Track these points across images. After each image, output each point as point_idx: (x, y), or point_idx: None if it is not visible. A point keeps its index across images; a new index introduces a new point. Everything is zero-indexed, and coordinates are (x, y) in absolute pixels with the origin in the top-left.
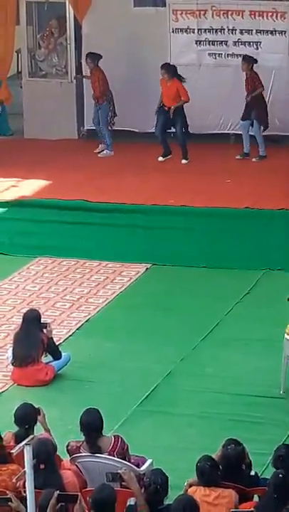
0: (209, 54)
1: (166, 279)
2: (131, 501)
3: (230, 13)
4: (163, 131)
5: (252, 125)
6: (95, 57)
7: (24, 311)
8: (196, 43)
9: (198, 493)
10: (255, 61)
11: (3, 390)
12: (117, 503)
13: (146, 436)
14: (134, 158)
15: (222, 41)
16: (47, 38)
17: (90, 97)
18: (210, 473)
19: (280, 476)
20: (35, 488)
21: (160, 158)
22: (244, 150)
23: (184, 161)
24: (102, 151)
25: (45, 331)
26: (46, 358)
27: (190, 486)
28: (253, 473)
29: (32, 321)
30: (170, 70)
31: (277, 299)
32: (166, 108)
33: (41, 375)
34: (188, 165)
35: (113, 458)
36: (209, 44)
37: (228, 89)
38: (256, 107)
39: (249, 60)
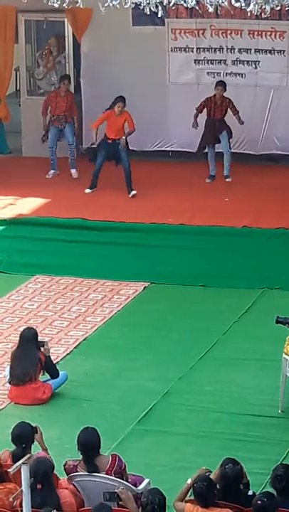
0: (208, 73)
1: (164, 297)
2: None
3: (228, 32)
4: (102, 164)
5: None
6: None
7: (22, 329)
8: (195, 62)
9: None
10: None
11: (0, 408)
12: None
13: (144, 455)
14: (133, 176)
15: (221, 60)
16: (46, 56)
17: (89, 115)
18: (206, 494)
19: (258, 502)
20: (32, 507)
21: (87, 190)
22: (211, 173)
23: (133, 192)
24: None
25: (42, 349)
26: (43, 377)
27: (180, 500)
28: (250, 492)
29: (29, 340)
30: (125, 103)
31: None
32: (110, 141)
33: (38, 394)
34: (186, 183)
35: (110, 477)
36: (208, 63)
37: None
38: (225, 127)
39: (224, 85)
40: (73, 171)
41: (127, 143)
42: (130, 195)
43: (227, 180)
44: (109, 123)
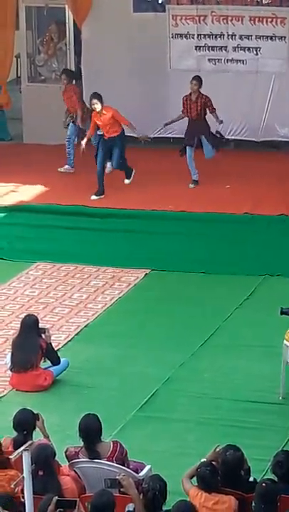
0: (209, 59)
1: (165, 284)
2: (129, 507)
3: (229, 18)
4: (102, 163)
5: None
6: (72, 74)
7: (23, 316)
8: (196, 49)
9: (198, 498)
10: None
11: (1, 395)
12: (115, 509)
13: (145, 441)
14: (134, 163)
15: (222, 47)
16: (46, 43)
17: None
18: (210, 479)
19: (263, 485)
20: (33, 493)
21: (93, 197)
22: (194, 177)
23: (127, 181)
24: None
25: (43, 336)
26: (45, 364)
27: (190, 477)
28: (251, 479)
29: (30, 327)
30: (101, 99)
31: (277, 305)
32: (106, 137)
33: (40, 381)
34: (187, 170)
35: (112, 464)
36: (209, 49)
37: (227, 95)
38: (204, 131)
39: (199, 80)
40: (67, 166)
41: (124, 146)
42: (124, 182)
43: (190, 186)
44: (95, 123)
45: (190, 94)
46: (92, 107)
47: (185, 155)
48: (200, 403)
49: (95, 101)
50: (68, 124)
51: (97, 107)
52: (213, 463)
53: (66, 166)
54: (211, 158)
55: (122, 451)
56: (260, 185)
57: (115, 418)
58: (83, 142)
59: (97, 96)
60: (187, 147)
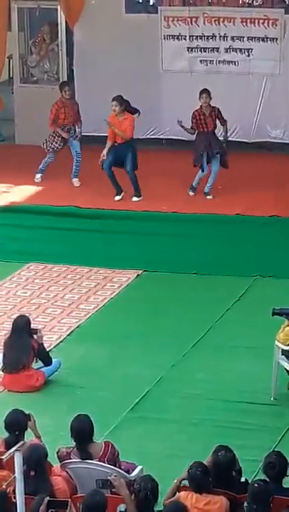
0: (201, 61)
1: (157, 285)
2: (121, 507)
3: (221, 20)
4: (110, 168)
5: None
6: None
7: (14, 317)
8: (188, 50)
9: (189, 499)
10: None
11: None
12: (107, 509)
13: (137, 442)
14: None
15: (214, 48)
16: (39, 44)
17: (82, 104)
18: (201, 480)
19: (255, 485)
20: (25, 494)
21: (117, 197)
22: (194, 184)
23: (135, 199)
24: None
25: (35, 336)
26: (37, 364)
27: (180, 482)
28: (243, 479)
29: (22, 327)
30: (123, 103)
31: (268, 306)
32: (117, 144)
33: (32, 381)
34: (180, 171)
35: (103, 464)
36: (201, 51)
37: (219, 96)
38: (219, 145)
39: (209, 93)
40: (75, 180)
41: (136, 154)
42: (132, 200)
43: (208, 197)
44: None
45: (201, 107)
46: (116, 109)
47: (199, 166)
48: (192, 404)
49: (116, 104)
50: (76, 136)
51: (119, 111)
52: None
53: (75, 179)
54: (217, 170)
55: (113, 452)
56: (252, 187)
57: (107, 419)
58: (105, 152)
59: (118, 99)
60: (202, 162)
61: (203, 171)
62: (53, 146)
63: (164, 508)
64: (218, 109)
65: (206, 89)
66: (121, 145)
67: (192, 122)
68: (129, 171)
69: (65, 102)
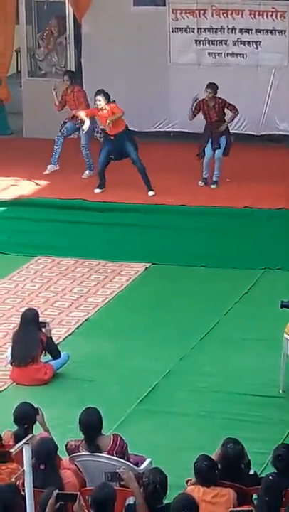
0: (209, 53)
1: (166, 278)
2: (130, 500)
3: (229, 12)
4: (105, 163)
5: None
6: (73, 75)
7: (23, 310)
8: (196, 43)
9: (197, 492)
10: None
11: (2, 389)
12: (116, 503)
13: (146, 435)
14: None
15: (222, 40)
16: (46, 37)
17: (90, 96)
18: (207, 473)
19: (270, 478)
20: (35, 487)
21: (96, 190)
22: (204, 175)
23: (151, 193)
24: (85, 171)
25: (44, 330)
26: (45, 357)
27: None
28: (252, 472)
29: (31, 321)
30: (106, 96)
31: (277, 298)
32: (112, 136)
33: (40, 374)
34: (188, 163)
35: (112, 457)
36: (209, 43)
37: (227, 89)
38: (226, 134)
39: (214, 88)
40: (86, 172)
41: (136, 142)
42: (149, 195)
43: (212, 186)
44: (102, 120)
45: (203, 99)
46: (98, 103)
47: (203, 158)
48: (200, 397)
49: (99, 98)
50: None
51: (100, 104)
52: (212, 456)
53: (88, 172)
54: (220, 157)
55: (122, 445)
56: (260, 179)
57: (116, 412)
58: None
59: (101, 93)
60: (206, 149)
61: (202, 157)
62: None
63: (172, 501)
64: (223, 99)
65: (212, 83)
66: (117, 136)
67: (194, 108)
68: (136, 160)
69: (66, 90)
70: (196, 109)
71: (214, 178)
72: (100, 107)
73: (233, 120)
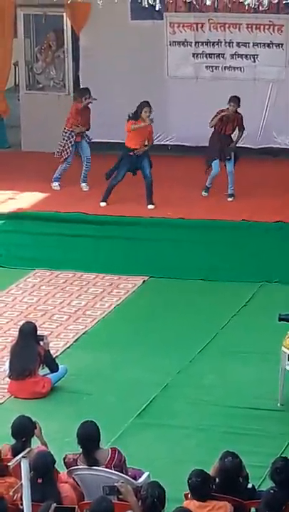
0: (206, 67)
1: (164, 291)
2: None
3: (227, 26)
4: (121, 180)
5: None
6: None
7: (21, 323)
8: (193, 56)
9: (192, 505)
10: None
11: (0, 402)
12: None
13: (144, 448)
14: None
15: (219, 54)
16: (45, 50)
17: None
18: (200, 489)
19: (271, 492)
20: (33, 501)
21: (103, 204)
22: (208, 185)
23: (151, 206)
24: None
25: (41, 343)
26: (43, 371)
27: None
28: (250, 485)
29: (28, 334)
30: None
31: (274, 312)
32: (132, 153)
33: (38, 388)
34: (185, 177)
35: (110, 471)
36: (206, 57)
37: (225, 102)
38: (231, 149)
39: (237, 102)
40: (84, 184)
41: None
42: (148, 208)
43: (229, 199)
44: (141, 132)
45: (227, 109)
46: (145, 115)
47: (209, 169)
48: (198, 409)
49: (148, 109)
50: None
51: (149, 116)
52: (210, 469)
53: (84, 184)
54: (232, 171)
55: (120, 458)
56: (258, 192)
57: (114, 425)
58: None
59: (148, 104)
60: (213, 163)
61: (209, 167)
62: (67, 151)
63: None
64: (242, 116)
65: (235, 97)
66: (135, 153)
67: (216, 122)
68: (148, 175)
69: (81, 106)
70: (217, 122)
71: (230, 192)
72: (150, 121)
73: (240, 139)
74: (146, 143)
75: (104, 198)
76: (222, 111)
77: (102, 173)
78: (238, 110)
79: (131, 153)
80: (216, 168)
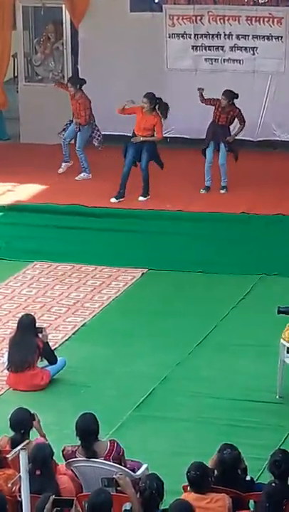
0: (206, 59)
1: (162, 284)
2: (126, 506)
3: (226, 18)
4: (130, 167)
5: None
6: (77, 81)
7: (20, 315)
8: (193, 48)
9: (191, 498)
10: (236, 96)
11: None
12: (112, 508)
13: (142, 440)
14: None
15: (218, 46)
16: (43, 42)
17: None
18: (200, 482)
19: (273, 484)
20: (31, 493)
21: (113, 200)
22: (207, 184)
23: (141, 198)
24: (80, 173)
25: (40, 335)
26: (42, 363)
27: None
28: (248, 478)
29: (27, 326)
30: (153, 101)
31: (273, 304)
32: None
33: (37, 380)
34: (184, 169)
35: (109, 463)
36: (206, 49)
37: None
38: (225, 137)
39: (230, 96)
40: (82, 174)
41: (155, 151)
42: (138, 199)
43: (221, 192)
44: (137, 119)
45: (221, 102)
46: (145, 105)
47: (203, 154)
48: (197, 402)
49: (147, 101)
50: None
51: (148, 108)
52: (209, 462)
53: (83, 174)
54: (224, 163)
55: (118, 451)
56: (257, 185)
57: (112, 417)
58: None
59: (150, 97)
60: (207, 151)
61: (205, 157)
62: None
63: (169, 507)
64: (239, 111)
65: (229, 91)
66: (138, 144)
67: (207, 99)
68: (144, 167)
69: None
70: (210, 102)
71: (222, 184)
72: (149, 112)
73: (240, 133)
74: (152, 134)
75: (118, 195)
76: (218, 100)
77: (99, 165)
78: (237, 103)
79: (132, 140)
80: (208, 156)
